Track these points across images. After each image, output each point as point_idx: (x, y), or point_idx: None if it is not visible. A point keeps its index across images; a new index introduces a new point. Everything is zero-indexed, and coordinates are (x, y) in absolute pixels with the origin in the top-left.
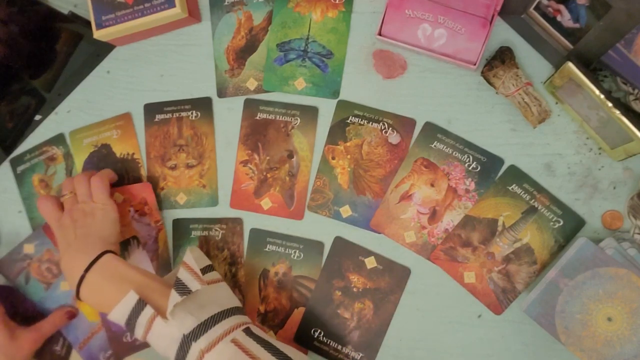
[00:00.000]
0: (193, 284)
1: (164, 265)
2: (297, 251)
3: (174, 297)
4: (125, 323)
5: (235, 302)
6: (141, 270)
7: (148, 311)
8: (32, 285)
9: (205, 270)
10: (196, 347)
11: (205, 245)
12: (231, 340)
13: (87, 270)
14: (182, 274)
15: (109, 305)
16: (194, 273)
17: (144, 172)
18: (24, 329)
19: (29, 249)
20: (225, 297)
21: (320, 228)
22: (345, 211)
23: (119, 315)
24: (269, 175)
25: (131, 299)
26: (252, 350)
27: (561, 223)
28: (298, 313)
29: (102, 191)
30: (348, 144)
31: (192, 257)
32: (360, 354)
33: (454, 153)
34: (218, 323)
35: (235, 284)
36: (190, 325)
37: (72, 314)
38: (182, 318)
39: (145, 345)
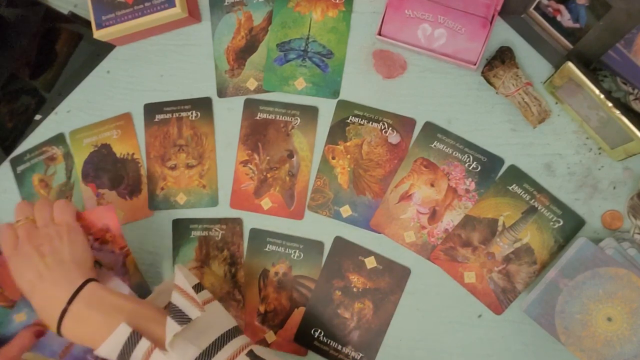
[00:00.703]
0: (191, 310)
1: (139, 285)
2: (297, 251)
3: (172, 326)
4: (117, 358)
5: (232, 321)
6: (131, 298)
7: (144, 344)
8: None
9: (195, 289)
10: None
11: (205, 246)
12: None
13: (70, 301)
14: (176, 299)
15: (96, 339)
16: (190, 297)
17: (143, 172)
18: None
19: None
20: (222, 318)
21: (320, 228)
22: (345, 211)
23: (108, 349)
24: (269, 175)
25: (123, 331)
26: None
27: (561, 223)
28: (298, 313)
29: (68, 213)
30: (348, 143)
31: (183, 277)
32: (360, 354)
33: (454, 153)
34: (221, 349)
35: (235, 284)
36: (192, 355)
37: (40, 332)
38: (183, 348)
39: None
